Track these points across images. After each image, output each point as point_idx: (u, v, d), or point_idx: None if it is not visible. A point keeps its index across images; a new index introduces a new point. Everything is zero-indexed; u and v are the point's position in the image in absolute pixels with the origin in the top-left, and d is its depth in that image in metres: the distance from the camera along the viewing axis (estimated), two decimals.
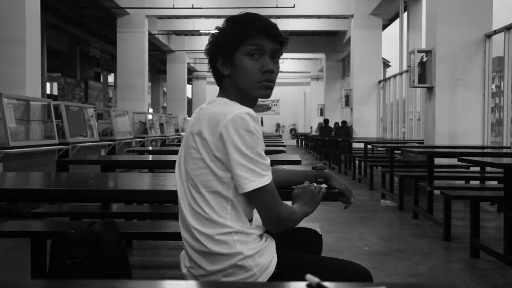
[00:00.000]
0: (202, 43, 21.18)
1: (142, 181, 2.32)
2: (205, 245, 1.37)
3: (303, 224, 1.62)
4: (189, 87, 28.22)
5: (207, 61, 1.51)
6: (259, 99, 1.49)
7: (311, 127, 27.13)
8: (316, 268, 1.45)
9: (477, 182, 5.87)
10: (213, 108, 1.39)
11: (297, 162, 3.34)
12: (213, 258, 1.37)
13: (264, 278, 1.37)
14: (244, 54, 1.41)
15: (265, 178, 1.34)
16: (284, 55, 1.70)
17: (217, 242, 1.36)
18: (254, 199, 1.38)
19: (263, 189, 1.35)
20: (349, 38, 14.79)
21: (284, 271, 1.39)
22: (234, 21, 1.44)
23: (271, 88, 1.46)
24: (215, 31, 1.48)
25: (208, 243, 1.37)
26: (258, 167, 1.33)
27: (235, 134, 1.31)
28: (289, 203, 1.52)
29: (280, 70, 1.50)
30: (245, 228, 1.39)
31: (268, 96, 1.46)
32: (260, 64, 1.42)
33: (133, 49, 13.72)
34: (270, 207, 1.38)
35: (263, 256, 1.38)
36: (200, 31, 18.40)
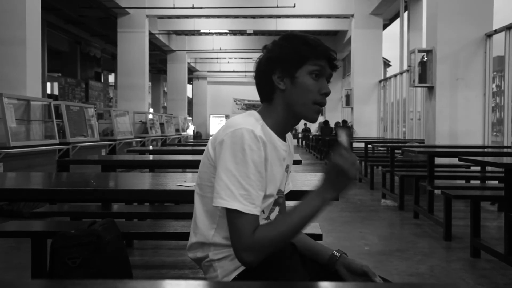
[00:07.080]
0: (203, 43, 21.18)
1: (143, 181, 2.33)
2: (192, 236, 1.45)
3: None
4: (189, 87, 28.16)
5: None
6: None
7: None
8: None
9: (477, 182, 5.87)
10: (232, 119, 1.40)
11: (298, 162, 3.34)
12: (194, 246, 1.45)
13: (226, 280, 1.38)
14: (307, 72, 1.40)
15: (237, 204, 1.27)
16: None
17: (197, 242, 1.43)
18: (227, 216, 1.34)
19: (232, 212, 1.29)
20: (350, 38, 14.78)
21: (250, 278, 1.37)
22: (300, 39, 1.43)
23: (320, 113, 1.45)
24: (271, 45, 1.45)
25: (192, 237, 1.45)
26: (236, 190, 1.28)
27: (229, 148, 1.30)
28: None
29: None
30: (227, 241, 1.36)
31: (315, 121, 1.45)
32: (319, 85, 1.41)
33: (133, 49, 13.72)
34: (234, 231, 1.30)
35: (233, 261, 1.36)
36: (201, 31, 18.39)
